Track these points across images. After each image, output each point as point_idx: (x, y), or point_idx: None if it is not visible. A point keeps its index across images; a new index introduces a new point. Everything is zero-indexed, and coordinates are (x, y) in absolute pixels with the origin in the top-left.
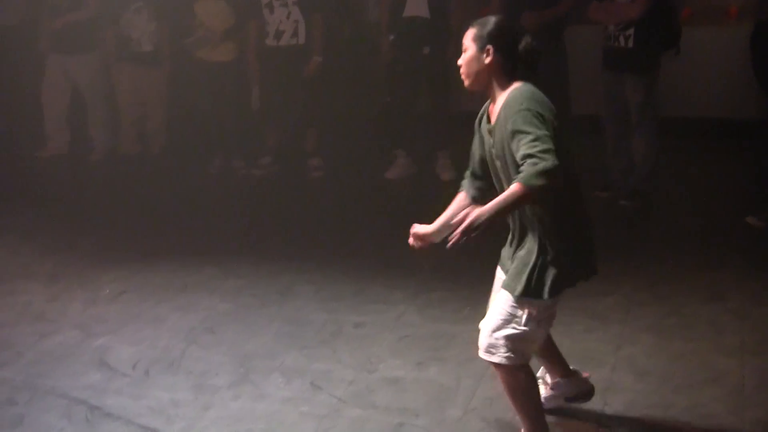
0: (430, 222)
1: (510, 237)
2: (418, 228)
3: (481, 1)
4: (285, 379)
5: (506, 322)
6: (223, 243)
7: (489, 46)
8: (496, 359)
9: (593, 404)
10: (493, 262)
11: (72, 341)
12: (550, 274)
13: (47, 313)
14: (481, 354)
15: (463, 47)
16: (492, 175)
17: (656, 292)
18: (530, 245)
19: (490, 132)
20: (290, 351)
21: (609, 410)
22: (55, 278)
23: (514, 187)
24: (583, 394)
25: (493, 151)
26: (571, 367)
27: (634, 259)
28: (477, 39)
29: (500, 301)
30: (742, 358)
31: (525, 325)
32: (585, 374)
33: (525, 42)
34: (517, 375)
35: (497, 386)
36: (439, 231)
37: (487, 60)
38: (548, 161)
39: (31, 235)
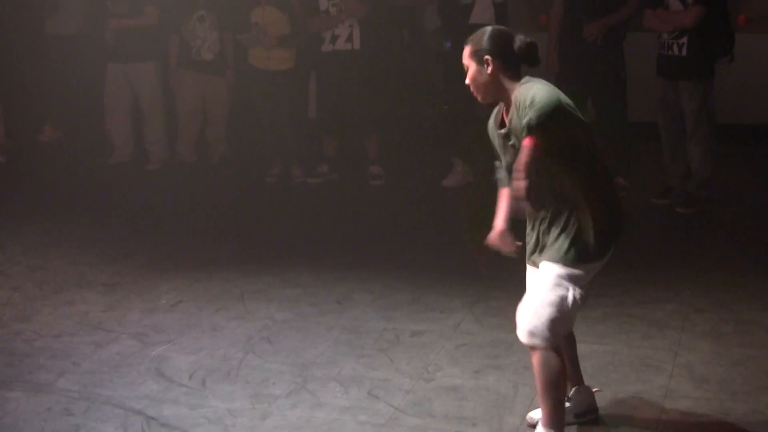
0: (486, 230)
1: (533, 227)
2: (496, 232)
3: (539, 9)
4: (343, 387)
5: (551, 305)
6: (281, 252)
7: (486, 57)
8: (538, 342)
9: (651, 411)
10: None
11: (129, 351)
12: (590, 238)
13: (104, 323)
14: (523, 338)
15: (465, 67)
16: (506, 167)
17: (714, 298)
18: (564, 220)
19: (506, 136)
20: (348, 360)
21: (666, 417)
22: (113, 288)
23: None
24: (591, 410)
25: (514, 148)
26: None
27: (692, 266)
28: (473, 54)
29: (542, 282)
30: None
31: (570, 303)
32: (595, 389)
33: (519, 41)
34: (553, 358)
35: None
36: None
37: (489, 70)
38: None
39: (88, 244)
